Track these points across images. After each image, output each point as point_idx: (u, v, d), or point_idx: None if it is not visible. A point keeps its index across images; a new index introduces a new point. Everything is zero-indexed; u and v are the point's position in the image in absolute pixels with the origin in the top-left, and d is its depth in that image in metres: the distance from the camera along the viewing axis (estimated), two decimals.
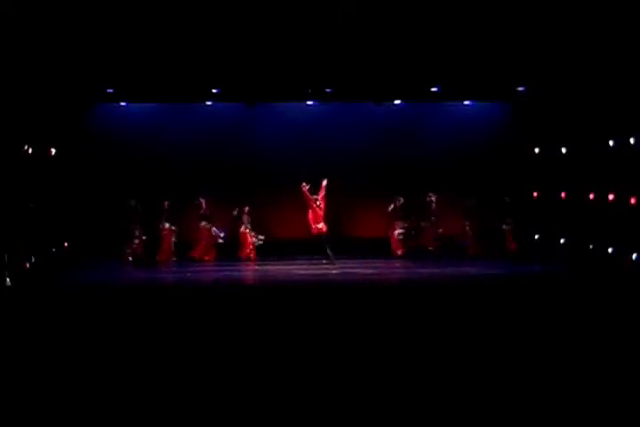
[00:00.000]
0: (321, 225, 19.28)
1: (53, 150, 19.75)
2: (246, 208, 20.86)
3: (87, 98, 20.27)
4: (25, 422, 6.90)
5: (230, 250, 20.89)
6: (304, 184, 19.25)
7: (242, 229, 20.88)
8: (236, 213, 20.81)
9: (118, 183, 21.25)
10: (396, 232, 21.01)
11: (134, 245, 20.41)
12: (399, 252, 21.01)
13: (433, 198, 21.14)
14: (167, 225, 20.46)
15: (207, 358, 9.05)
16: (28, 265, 17.61)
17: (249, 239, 20.90)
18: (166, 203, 20.45)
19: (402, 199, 20.91)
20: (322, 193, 19.31)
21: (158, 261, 20.29)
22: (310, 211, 19.42)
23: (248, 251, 20.92)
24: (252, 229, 20.97)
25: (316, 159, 21.61)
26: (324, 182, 19.26)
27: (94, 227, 20.84)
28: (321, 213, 19.32)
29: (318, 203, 19.33)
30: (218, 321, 11.67)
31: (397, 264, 19.81)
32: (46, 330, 11.01)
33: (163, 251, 20.57)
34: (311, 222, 19.35)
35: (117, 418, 6.95)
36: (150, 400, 7.45)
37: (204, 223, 20.65)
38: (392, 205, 20.97)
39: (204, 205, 20.59)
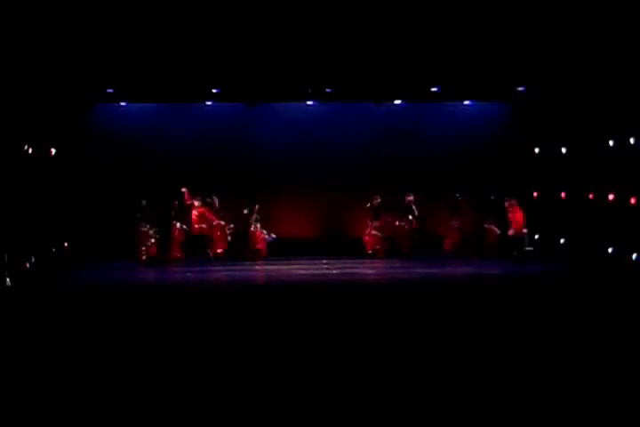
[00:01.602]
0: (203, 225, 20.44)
1: (53, 150, 19.75)
2: (256, 206, 20.78)
3: (87, 98, 20.27)
4: (25, 422, 6.90)
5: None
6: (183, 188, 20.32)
7: (252, 228, 20.80)
8: (246, 211, 20.73)
9: (118, 183, 21.26)
10: (372, 232, 20.99)
11: (148, 245, 20.40)
12: (372, 250, 21.02)
13: (411, 198, 21.15)
14: (178, 224, 20.48)
15: (207, 359, 9.05)
16: (27, 265, 17.61)
17: (260, 237, 20.82)
18: (176, 202, 20.46)
19: (379, 198, 20.85)
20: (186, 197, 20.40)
21: (169, 260, 20.33)
22: (193, 212, 20.37)
23: (258, 249, 20.85)
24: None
25: (316, 159, 21.62)
26: (183, 189, 20.32)
27: (94, 227, 20.84)
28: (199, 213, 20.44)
29: (197, 204, 20.37)
30: (218, 321, 11.67)
31: (397, 264, 19.80)
32: (46, 330, 11.01)
33: (173, 250, 20.59)
34: (194, 222, 20.40)
35: (117, 418, 6.95)
36: (150, 400, 7.45)
37: (216, 222, 20.61)
38: (369, 204, 20.91)
39: (216, 204, 20.57)
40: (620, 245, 17.22)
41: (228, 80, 19.01)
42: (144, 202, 20.34)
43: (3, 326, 11.41)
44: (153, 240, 20.37)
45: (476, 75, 18.49)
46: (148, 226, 20.28)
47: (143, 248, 20.21)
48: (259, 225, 20.71)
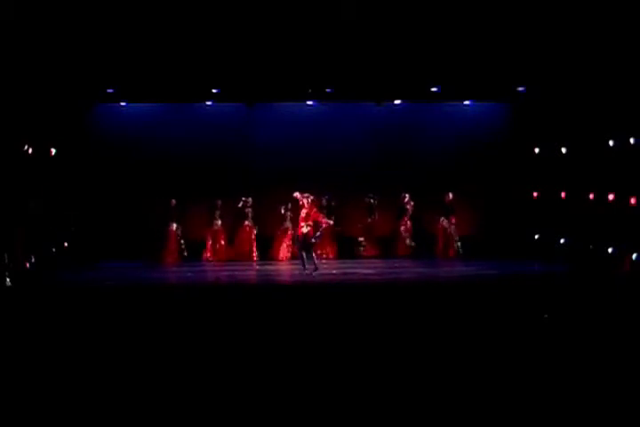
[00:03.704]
0: None
1: (53, 150, 19.75)
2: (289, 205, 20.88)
3: (87, 98, 20.27)
4: (25, 422, 6.91)
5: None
6: None
7: (285, 225, 20.90)
8: (283, 210, 20.81)
9: (118, 183, 21.27)
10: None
11: (173, 244, 20.57)
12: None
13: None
14: (219, 223, 20.61)
15: (206, 359, 9.05)
16: (27, 265, 17.61)
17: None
18: (219, 202, 20.65)
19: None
20: None
21: (205, 260, 20.58)
22: None
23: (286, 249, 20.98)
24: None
25: (316, 159, 21.61)
26: None
27: (94, 226, 20.86)
28: None
29: None
30: (218, 321, 11.67)
31: (397, 264, 19.80)
32: (46, 330, 11.01)
33: (208, 250, 20.76)
34: None
35: (116, 418, 6.95)
36: (149, 400, 7.46)
37: (247, 222, 20.75)
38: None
39: (249, 204, 20.68)
40: (620, 245, 17.21)
41: (228, 80, 19.00)
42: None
43: (3, 326, 11.41)
44: (178, 239, 20.61)
45: (475, 75, 18.49)
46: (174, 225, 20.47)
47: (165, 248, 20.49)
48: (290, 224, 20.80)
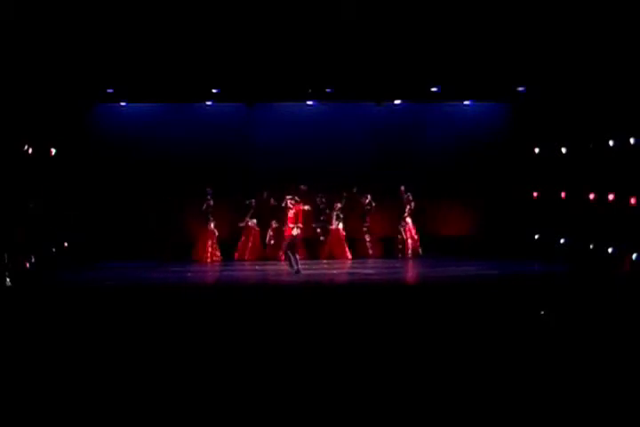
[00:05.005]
0: None
1: (53, 150, 19.76)
2: (338, 204, 20.87)
3: (87, 98, 20.27)
4: (25, 421, 6.92)
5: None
6: None
7: (333, 226, 20.94)
8: (327, 210, 20.85)
9: (118, 183, 21.28)
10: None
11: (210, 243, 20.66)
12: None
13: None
14: (252, 223, 20.67)
15: (205, 360, 9.05)
16: (27, 265, 17.61)
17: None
18: (253, 201, 20.70)
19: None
20: None
21: (240, 260, 20.64)
22: None
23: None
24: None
25: (316, 159, 21.61)
26: None
27: (93, 226, 20.87)
28: None
29: None
30: (218, 321, 11.67)
31: (397, 264, 19.80)
32: (46, 330, 11.02)
33: (242, 249, 20.84)
34: None
35: (116, 418, 6.96)
36: (149, 400, 7.46)
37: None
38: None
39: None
40: (620, 245, 17.22)
41: (228, 80, 19.01)
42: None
43: (3, 326, 11.41)
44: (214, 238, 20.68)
45: (475, 75, 18.50)
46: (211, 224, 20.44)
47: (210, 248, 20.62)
48: (340, 224, 20.78)
